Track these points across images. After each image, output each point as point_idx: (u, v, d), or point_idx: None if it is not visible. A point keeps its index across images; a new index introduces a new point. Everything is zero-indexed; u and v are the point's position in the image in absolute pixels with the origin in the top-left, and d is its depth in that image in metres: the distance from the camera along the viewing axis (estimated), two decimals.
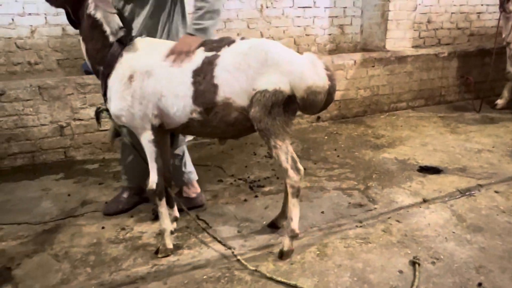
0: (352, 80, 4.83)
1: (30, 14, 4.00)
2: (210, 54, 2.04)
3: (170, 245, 2.25)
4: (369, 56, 4.86)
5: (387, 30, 5.11)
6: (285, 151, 2.08)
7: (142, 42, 2.17)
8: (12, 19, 3.96)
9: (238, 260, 2.15)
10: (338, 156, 3.70)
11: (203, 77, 2.01)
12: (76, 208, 2.83)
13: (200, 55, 2.06)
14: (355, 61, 4.77)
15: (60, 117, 3.66)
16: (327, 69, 2.04)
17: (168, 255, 2.23)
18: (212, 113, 2.04)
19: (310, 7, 5.18)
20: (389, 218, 2.61)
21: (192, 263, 2.18)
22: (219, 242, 2.32)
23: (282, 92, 1.96)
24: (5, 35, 3.96)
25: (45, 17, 4.03)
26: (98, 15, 2.09)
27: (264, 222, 2.57)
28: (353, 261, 2.18)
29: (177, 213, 2.44)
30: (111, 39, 2.10)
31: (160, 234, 2.29)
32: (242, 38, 2.09)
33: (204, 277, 2.06)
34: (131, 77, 2.07)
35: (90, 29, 2.10)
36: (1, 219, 2.66)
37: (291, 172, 2.09)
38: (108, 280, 2.05)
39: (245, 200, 2.88)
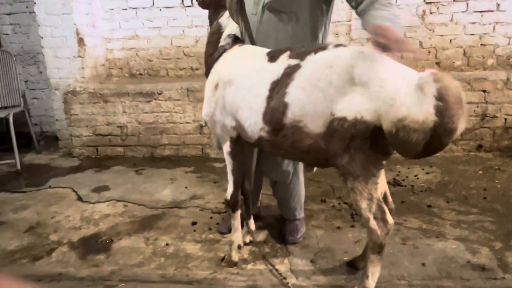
0: None
1: (196, 26, 4.62)
2: (293, 62, 1.76)
3: (235, 258, 2.21)
4: None
5: None
6: (367, 198, 1.63)
7: (236, 50, 2.10)
8: (183, 31, 4.66)
9: None
10: (484, 198, 2.90)
11: (277, 92, 1.77)
12: (185, 200, 3.11)
13: (283, 63, 1.80)
14: None
15: (201, 117, 4.09)
16: (440, 98, 1.39)
17: (230, 267, 2.20)
18: (281, 135, 1.79)
19: (492, 11, 4.22)
20: None
21: (248, 280, 2.09)
22: (276, 270, 2.13)
23: (365, 123, 1.52)
24: (176, 44, 4.71)
25: (207, 29, 4.56)
26: (222, 21, 2.13)
27: (346, 258, 2.24)
28: None
29: (253, 226, 2.38)
30: (220, 44, 2.12)
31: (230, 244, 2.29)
32: (337, 45, 1.71)
33: None
34: (216, 85, 2.06)
35: (212, 33, 2.16)
36: (130, 198, 3.17)
37: (373, 224, 1.65)
38: (170, 274, 2.17)
39: (338, 228, 2.57)
